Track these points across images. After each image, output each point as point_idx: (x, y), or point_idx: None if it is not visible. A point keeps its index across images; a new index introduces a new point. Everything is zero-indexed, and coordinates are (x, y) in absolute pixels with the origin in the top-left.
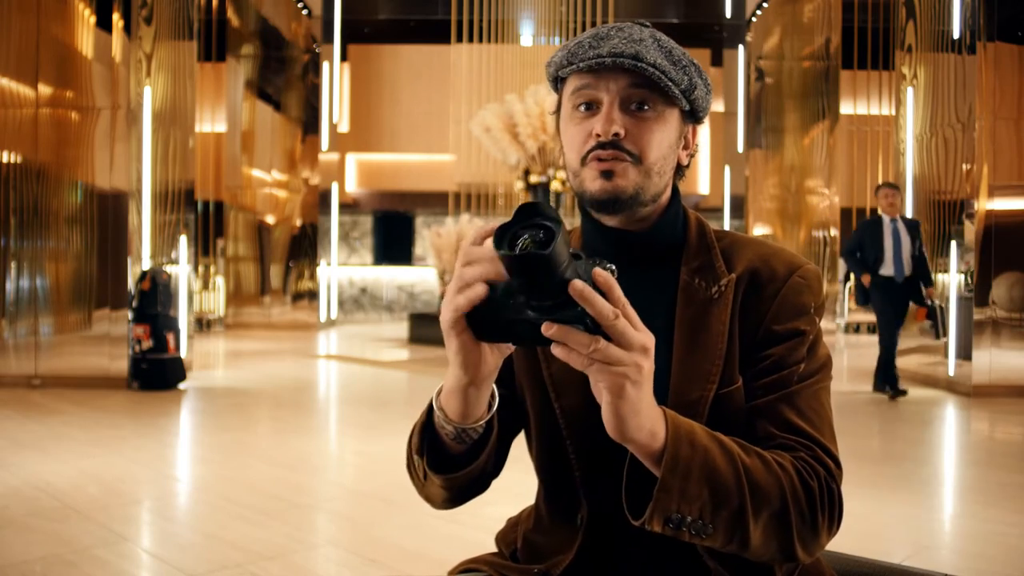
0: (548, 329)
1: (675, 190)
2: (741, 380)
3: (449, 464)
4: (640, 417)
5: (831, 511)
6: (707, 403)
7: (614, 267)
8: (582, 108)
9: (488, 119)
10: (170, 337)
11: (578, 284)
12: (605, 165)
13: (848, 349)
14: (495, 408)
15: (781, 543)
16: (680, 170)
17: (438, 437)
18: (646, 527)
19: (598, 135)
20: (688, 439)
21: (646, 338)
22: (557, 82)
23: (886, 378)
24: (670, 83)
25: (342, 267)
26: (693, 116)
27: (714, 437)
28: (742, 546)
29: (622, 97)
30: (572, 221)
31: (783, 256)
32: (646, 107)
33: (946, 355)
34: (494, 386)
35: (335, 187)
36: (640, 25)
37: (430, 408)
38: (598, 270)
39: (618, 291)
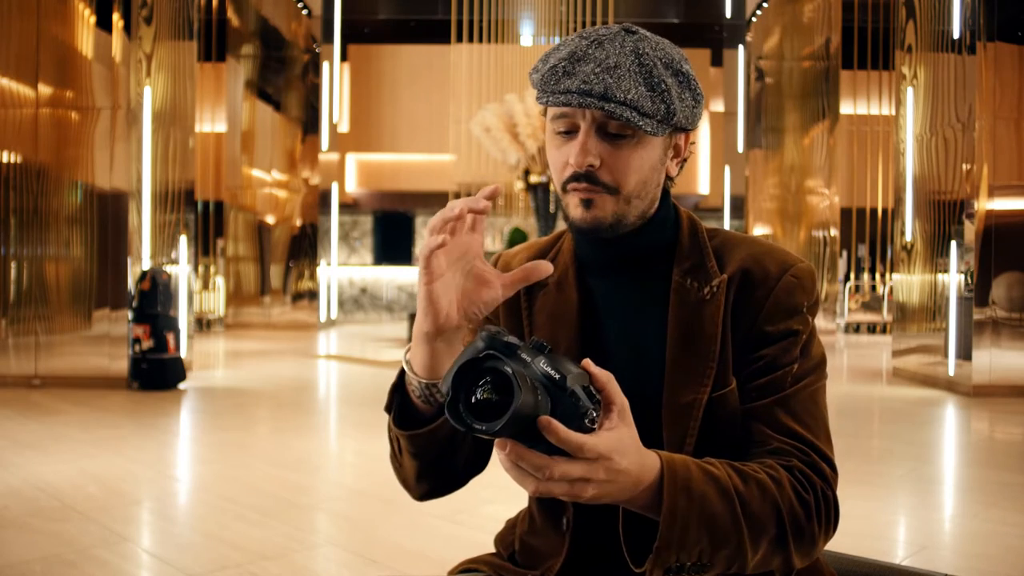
0: (503, 447)
1: (665, 192)
2: (735, 382)
3: (416, 424)
4: (624, 499)
5: (827, 519)
6: (701, 406)
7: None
8: (562, 131)
9: (488, 119)
10: (170, 337)
11: (544, 422)
12: (584, 195)
13: (848, 349)
14: None
15: (779, 559)
16: (670, 178)
17: (408, 398)
18: None
19: (572, 165)
20: (684, 487)
21: (617, 437)
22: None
23: None
24: (641, 121)
25: (342, 267)
26: (680, 129)
27: (710, 477)
28: (741, 569)
29: (599, 123)
30: None
31: (775, 255)
32: (627, 133)
33: (946, 355)
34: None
35: (335, 187)
36: (626, 33)
37: (402, 367)
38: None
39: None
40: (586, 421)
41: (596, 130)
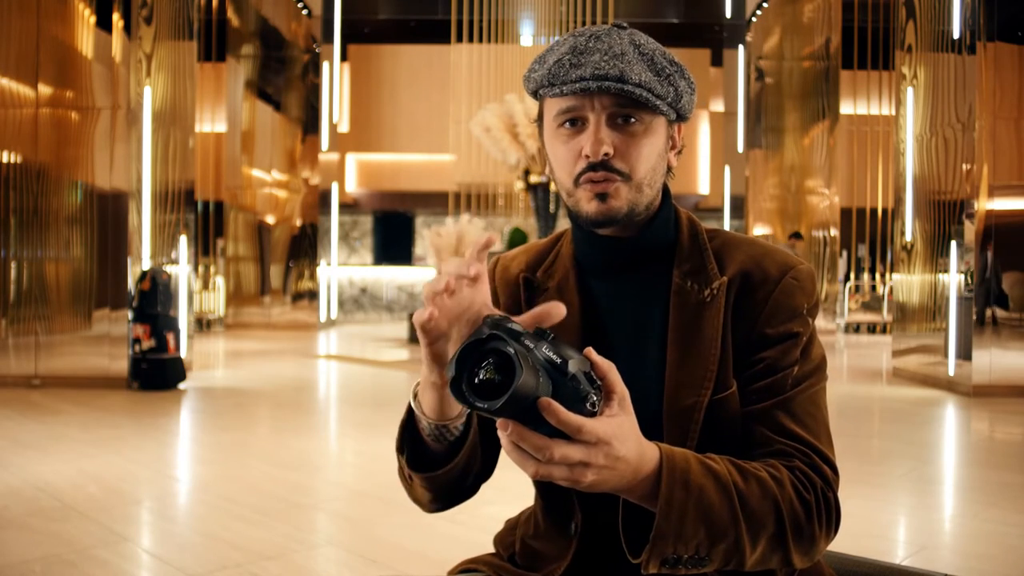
0: (504, 428)
1: (666, 191)
2: (735, 385)
3: (429, 463)
4: (623, 488)
5: (828, 520)
6: (702, 409)
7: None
8: (567, 125)
9: (488, 119)
10: (170, 337)
11: (544, 403)
12: (598, 188)
13: (848, 349)
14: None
15: (779, 558)
16: (669, 170)
17: (418, 435)
18: (642, 571)
19: (587, 156)
20: (682, 480)
21: (617, 424)
22: (538, 95)
23: None
24: (657, 101)
25: (342, 267)
26: (679, 118)
27: (709, 471)
28: (739, 566)
29: (608, 113)
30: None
31: (775, 257)
32: (632, 120)
33: (946, 355)
34: None
35: (335, 187)
36: (618, 29)
37: (410, 405)
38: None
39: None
40: (587, 405)
41: (606, 119)
